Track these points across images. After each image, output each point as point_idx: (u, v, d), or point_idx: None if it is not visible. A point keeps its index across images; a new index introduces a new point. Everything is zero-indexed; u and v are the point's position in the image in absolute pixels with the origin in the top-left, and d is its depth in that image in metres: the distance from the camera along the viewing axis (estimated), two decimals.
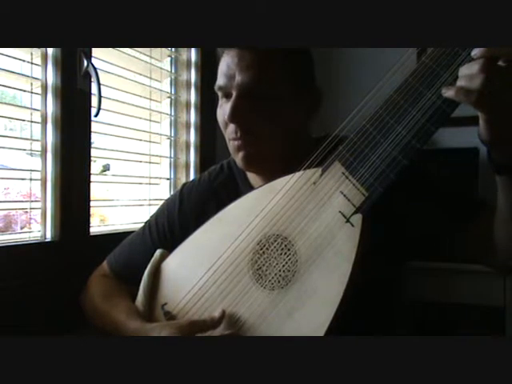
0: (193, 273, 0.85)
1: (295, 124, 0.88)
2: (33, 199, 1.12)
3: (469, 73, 0.62)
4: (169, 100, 1.63)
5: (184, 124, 1.68)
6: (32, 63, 1.10)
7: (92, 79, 1.16)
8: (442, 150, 1.98)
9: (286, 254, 0.78)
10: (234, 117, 0.84)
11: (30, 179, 1.10)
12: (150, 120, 1.51)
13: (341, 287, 0.72)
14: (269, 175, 0.86)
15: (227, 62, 0.85)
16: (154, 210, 1.08)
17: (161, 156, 1.60)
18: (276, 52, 0.84)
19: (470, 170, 1.91)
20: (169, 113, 1.63)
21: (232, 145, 0.88)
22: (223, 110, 0.87)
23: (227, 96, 0.87)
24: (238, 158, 0.88)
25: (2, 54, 1.03)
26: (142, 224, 1.06)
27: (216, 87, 0.88)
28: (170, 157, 1.63)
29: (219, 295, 0.81)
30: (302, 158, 0.80)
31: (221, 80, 0.86)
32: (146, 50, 1.47)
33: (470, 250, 0.83)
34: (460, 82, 0.63)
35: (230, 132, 0.87)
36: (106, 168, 1.47)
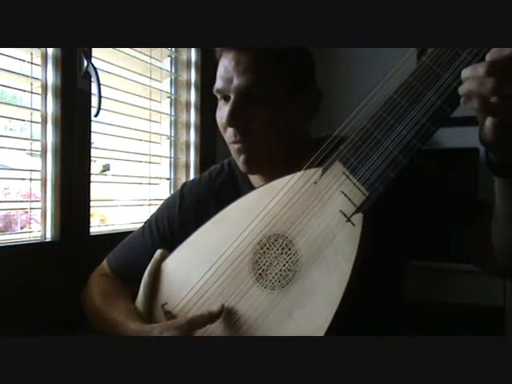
0: (193, 272, 0.85)
1: (295, 124, 0.88)
2: (33, 199, 1.12)
3: (475, 75, 0.57)
4: (169, 100, 1.63)
5: (184, 124, 1.68)
6: (32, 63, 1.10)
7: (92, 79, 1.16)
8: (442, 149, 1.98)
9: (286, 253, 0.78)
10: (232, 121, 0.84)
11: (30, 179, 1.10)
12: (150, 120, 1.51)
13: (341, 287, 0.72)
14: (270, 176, 0.86)
15: (225, 65, 0.86)
16: (153, 210, 1.08)
17: (161, 156, 1.60)
18: (273, 53, 0.84)
19: (469, 169, 1.91)
20: (169, 113, 1.63)
21: (232, 148, 0.89)
22: (222, 112, 0.87)
23: (225, 99, 0.87)
24: (240, 161, 0.88)
25: (2, 54, 1.03)
26: (142, 224, 1.06)
27: (214, 90, 0.88)
28: (170, 157, 1.63)
29: (220, 295, 0.81)
30: (302, 159, 0.80)
31: (219, 83, 0.87)
32: (146, 50, 1.47)
33: (469, 250, 0.83)
34: (468, 86, 0.58)
35: (229, 135, 0.87)
36: (106, 168, 1.47)
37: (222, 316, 0.79)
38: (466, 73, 0.59)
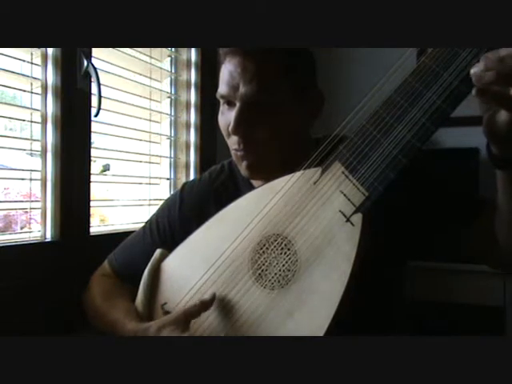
0: (193, 272, 0.85)
1: (298, 128, 0.88)
2: (33, 199, 1.12)
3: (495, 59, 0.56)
4: (169, 100, 1.64)
5: (184, 124, 1.68)
6: (32, 63, 1.10)
7: (92, 79, 1.16)
8: (442, 150, 1.98)
9: (286, 253, 0.78)
10: (237, 129, 0.83)
11: (30, 179, 1.10)
12: (150, 120, 1.51)
13: (341, 287, 0.72)
14: (271, 178, 0.85)
15: (230, 71, 0.84)
16: (153, 210, 1.08)
17: (161, 156, 1.60)
18: (278, 58, 0.83)
19: (469, 169, 1.90)
20: (169, 113, 1.63)
21: (235, 154, 0.88)
22: (225, 117, 0.87)
23: (229, 104, 0.86)
24: (242, 167, 0.88)
25: (2, 54, 1.03)
26: (142, 224, 1.06)
27: (218, 95, 0.87)
28: (170, 157, 1.63)
29: (219, 295, 0.81)
30: (302, 159, 0.80)
31: (223, 89, 0.85)
32: (146, 50, 1.47)
33: (471, 249, 0.82)
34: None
35: (233, 142, 0.87)
36: (106, 168, 1.47)
37: (214, 303, 0.79)
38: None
